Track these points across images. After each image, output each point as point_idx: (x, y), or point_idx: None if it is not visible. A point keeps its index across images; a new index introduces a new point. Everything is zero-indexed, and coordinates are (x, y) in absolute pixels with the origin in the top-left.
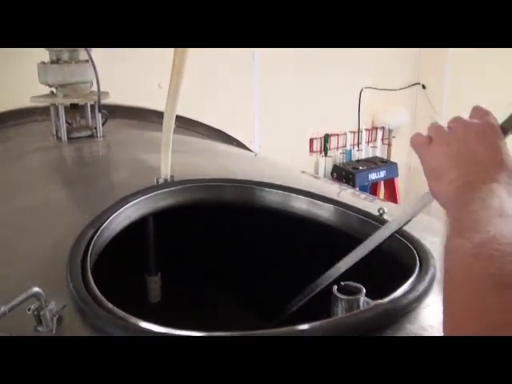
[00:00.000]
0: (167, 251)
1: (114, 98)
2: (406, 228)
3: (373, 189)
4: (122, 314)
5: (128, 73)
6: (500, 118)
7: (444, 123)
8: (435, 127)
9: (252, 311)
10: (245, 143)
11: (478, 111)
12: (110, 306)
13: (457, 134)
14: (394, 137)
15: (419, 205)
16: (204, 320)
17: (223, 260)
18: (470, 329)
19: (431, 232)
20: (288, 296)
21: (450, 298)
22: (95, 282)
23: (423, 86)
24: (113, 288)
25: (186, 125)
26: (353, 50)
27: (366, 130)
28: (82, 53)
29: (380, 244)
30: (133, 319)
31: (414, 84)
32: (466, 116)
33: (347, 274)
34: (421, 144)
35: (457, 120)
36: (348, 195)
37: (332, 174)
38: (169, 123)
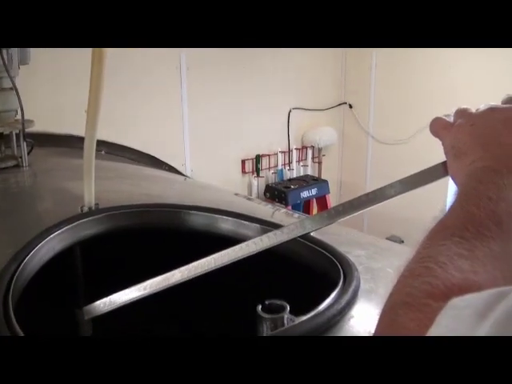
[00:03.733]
0: (97, 282)
1: (40, 127)
2: (331, 242)
3: (305, 206)
4: None
5: (53, 100)
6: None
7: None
8: (461, 109)
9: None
10: (176, 167)
11: (509, 99)
12: None
13: (483, 115)
14: (323, 155)
15: (424, 176)
16: None
17: None
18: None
19: (357, 245)
20: (223, 315)
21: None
22: (21, 320)
23: (350, 106)
24: (41, 325)
25: (116, 151)
26: (280, 72)
27: (297, 149)
28: (5, 80)
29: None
30: None
31: (341, 104)
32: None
33: (271, 293)
34: (442, 126)
35: (486, 104)
36: (281, 215)
37: (265, 193)
38: (90, 148)
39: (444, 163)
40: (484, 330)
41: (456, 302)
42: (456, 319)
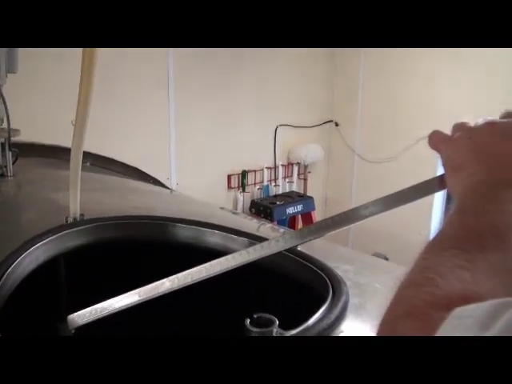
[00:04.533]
0: (81, 294)
1: (26, 136)
2: (319, 257)
3: (291, 222)
4: None
5: (41, 110)
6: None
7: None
8: (459, 123)
9: None
10: (162, 181)
11: (507, 114)
12: None
13: (481, 128)
14: (309, 172)
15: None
16: None
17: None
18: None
19: (345, 261)
20: (211, 329)
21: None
22: (3, 330)
23: (336, 124)
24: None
25: (101, 163)
26: (268, 88)
27: (283, 165)
28: None
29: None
30: None
31: (328, 121)
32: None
33: (260, 307)
34: (441, 139)
35: (484, 118)
36: (266, 230)
37: (250, 209)
38: (76, 158)
39: (440, 177)
40: None
41: (458, 311)
42: (458, 329)
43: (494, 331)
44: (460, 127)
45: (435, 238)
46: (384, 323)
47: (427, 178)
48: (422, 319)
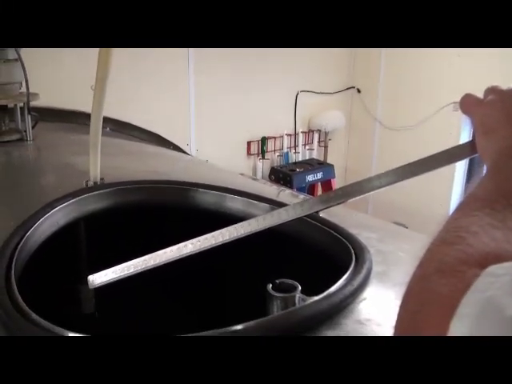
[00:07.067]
0: (101, 257)
1: (46, 101)
2: (341, 224)
3: (310, 190)
4: (48, 326)
5: (60, 75)
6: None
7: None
8: (492, 87)
9: (193, 317)
10: (181, 146)
11: None
12: (36, 317)
13: None
14: (330, 139)
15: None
16: (140, 331)
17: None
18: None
19: (367, 228)
20: (228, 298)
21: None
22: (23, 293)
23: (358, 90)
24: (43, 299)
25: (120, 128)
26: (288, 54)
27: (303, 132)
28: (10, 51)
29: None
30: (59, 330)
31: (349, 88)
32: None
33: (284, 274)
34: (473, 103)
35: None
36: (286, 196)
37: (270, 176)
38: (96, 123)
39: (471, 142)
40: None
41: (493, 269)
42: (494, 285)
43: None
44: (492, 91)
45: (466, 200)
46: (414, 280)
47: (451, 146)
48: (454, 276)
